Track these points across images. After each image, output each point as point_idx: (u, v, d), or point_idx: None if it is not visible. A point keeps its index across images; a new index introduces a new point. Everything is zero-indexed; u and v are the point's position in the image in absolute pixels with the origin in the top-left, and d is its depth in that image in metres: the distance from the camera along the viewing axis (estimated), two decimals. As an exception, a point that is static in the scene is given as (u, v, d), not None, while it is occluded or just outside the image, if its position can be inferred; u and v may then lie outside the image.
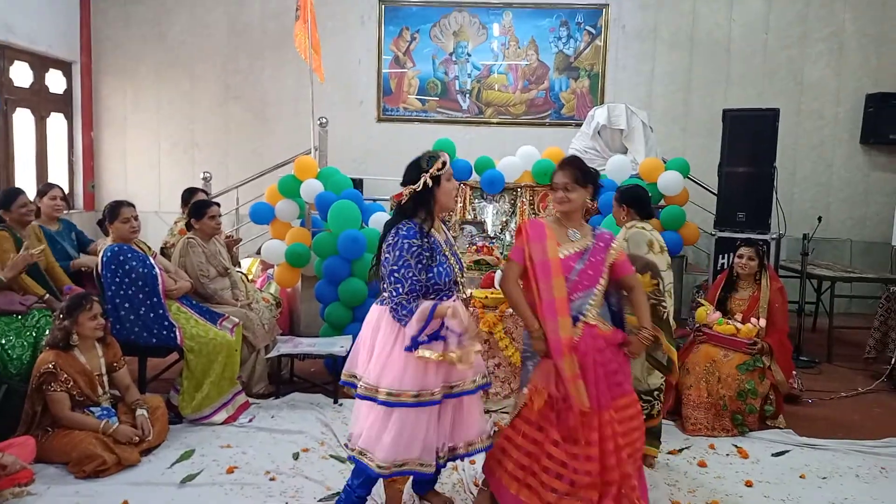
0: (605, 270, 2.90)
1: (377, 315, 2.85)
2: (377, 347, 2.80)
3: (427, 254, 2.74)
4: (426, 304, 2.71)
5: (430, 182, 2.76)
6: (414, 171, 2.81)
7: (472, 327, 2.79)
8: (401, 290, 2.68)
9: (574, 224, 2.96)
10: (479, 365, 2.95)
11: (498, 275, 4.55)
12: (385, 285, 2.77)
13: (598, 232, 2.99)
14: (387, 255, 2.73)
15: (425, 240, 2.75)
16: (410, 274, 2.68)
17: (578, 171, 2.91)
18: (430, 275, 2.75)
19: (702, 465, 3.71)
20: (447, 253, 2.86)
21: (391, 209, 2.87)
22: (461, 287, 2.95)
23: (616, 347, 2.91)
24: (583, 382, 2.73)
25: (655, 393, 3.70)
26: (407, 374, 2.72)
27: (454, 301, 2.82)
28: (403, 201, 2.80)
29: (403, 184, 2.83)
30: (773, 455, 3.87)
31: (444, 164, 2.80)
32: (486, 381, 3.02)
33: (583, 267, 2.86)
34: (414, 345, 2.67)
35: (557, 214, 3.01)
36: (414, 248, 2.70)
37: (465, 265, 4.94)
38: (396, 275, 2.68)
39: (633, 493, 2.83)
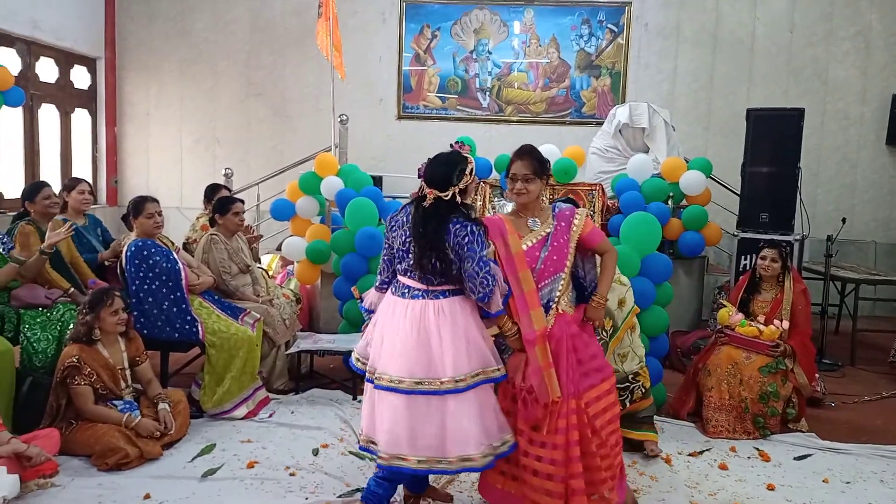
0: (571, 251, 2.88)
1: (449, 308, 2.77)
2: (467, 339, 2.77)
3: None
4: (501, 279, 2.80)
5: (458, 197, 2.78)
6: (444, 175, 2.77)
7: None
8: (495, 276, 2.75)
9: (532, 213, 2.94)
10: None
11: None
12: (475, 278, 2.71)
13: (557, 212, 2.93)
14: (472, 249, 2.69)
15: None
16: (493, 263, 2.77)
17: (537, 162, 2.88)
18: None
19: (723, 467, 3.68)
20: None
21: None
22: None
23: (588, 330, 2.93)
24: (554, 371, 2.73)
25: (631, 377, 3.72)
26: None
27: None
28: (428, 203, 2.77)
29: (429, 182, 2.79)
30: (795, 459, 3.83)
31: (471, 172, 2.81)
32: None
33: (547, 254, 2.85)
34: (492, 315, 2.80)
35: (515, 206, 3.01)
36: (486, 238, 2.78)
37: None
38: (490, 266, 2.73)
39: (604, 486, 2.77)
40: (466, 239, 2.69)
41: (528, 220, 2.93)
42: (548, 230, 2.89)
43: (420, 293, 2.80)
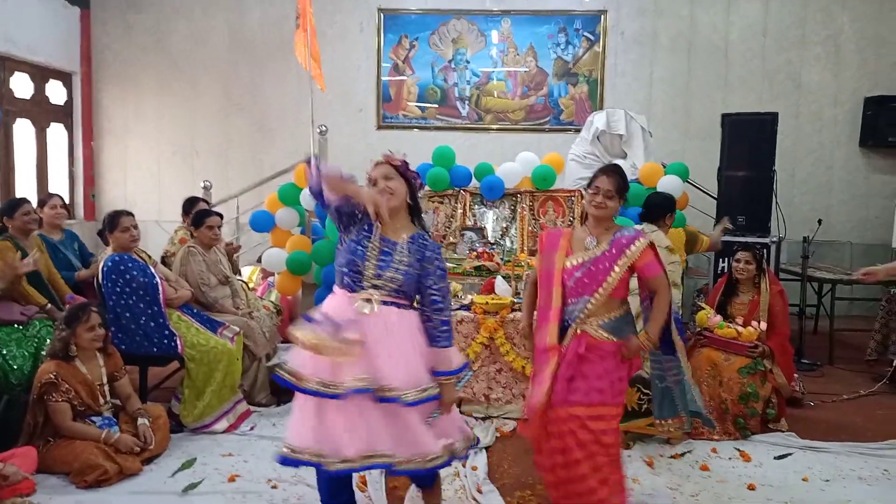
0: (610, 279, 2.84)
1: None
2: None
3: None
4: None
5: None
6: None
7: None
8: None
9: (599, 230, 2.94)
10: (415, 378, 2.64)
11: (499, 281, 4.57)
12: None
13: (616, 237, 2.90)
14: None
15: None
16: None
17: (622, 182, 2.93)
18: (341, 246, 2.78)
19: (704, 468, 3.71)
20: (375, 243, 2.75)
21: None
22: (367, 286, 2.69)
23: (610, 355, 2.87)
24: (550, 384, 2.82)
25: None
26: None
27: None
28: None
29: None
30: (775, 458, 3.87)
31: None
32: (427, 397, 2.64)
33: (580, 276, 2.89)
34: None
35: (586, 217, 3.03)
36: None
37: (465, 271, 4.97)
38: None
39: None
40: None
41: (586, 239, 2.94)
42: (596, 254, 2.90)
43: None
